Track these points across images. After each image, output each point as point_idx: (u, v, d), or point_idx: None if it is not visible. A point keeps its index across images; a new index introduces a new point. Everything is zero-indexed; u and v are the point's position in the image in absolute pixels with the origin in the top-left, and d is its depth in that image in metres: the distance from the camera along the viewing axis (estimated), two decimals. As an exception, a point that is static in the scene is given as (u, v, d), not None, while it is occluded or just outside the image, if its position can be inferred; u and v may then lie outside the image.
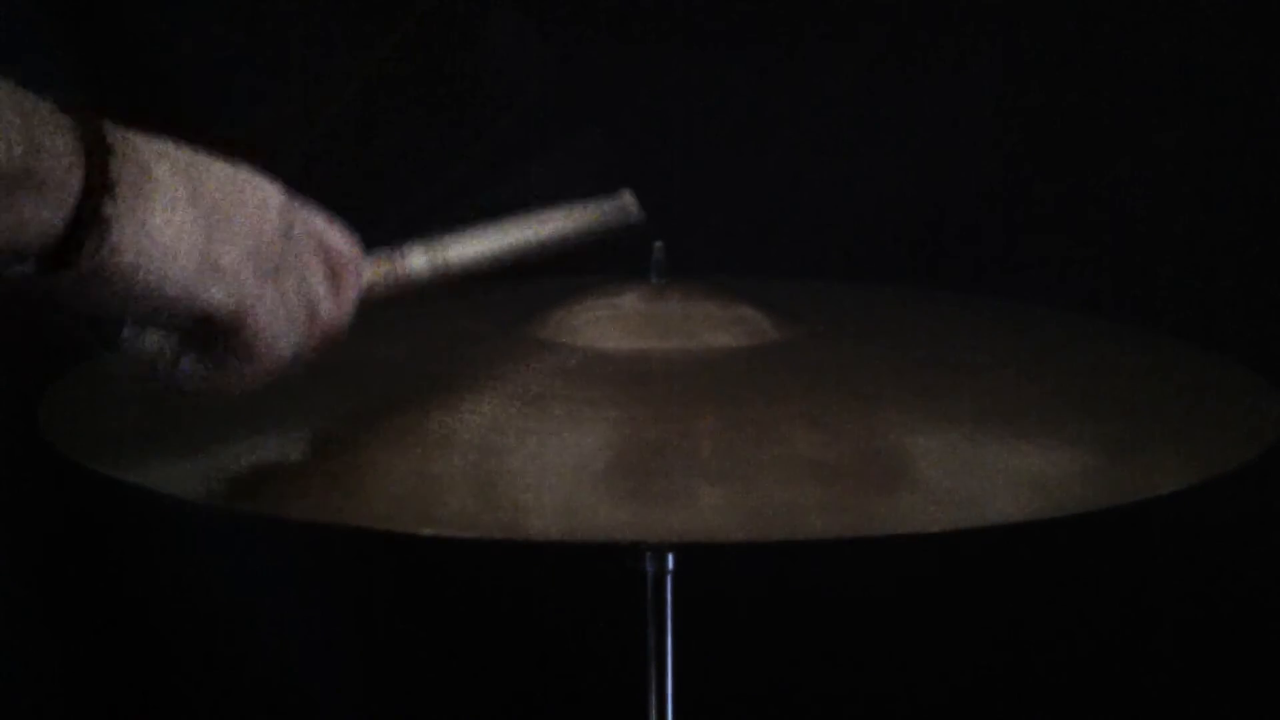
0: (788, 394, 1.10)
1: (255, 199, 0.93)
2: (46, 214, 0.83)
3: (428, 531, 0.94)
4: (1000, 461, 1.03)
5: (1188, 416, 1.14)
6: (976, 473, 1.01)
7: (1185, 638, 1.79)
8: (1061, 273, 1.72)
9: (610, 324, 1.18)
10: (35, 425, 1.14)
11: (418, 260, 1.08)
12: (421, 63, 1.73)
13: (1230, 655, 1.78)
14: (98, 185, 0.85)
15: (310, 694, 1.85)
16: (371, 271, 1.04)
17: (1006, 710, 1.83)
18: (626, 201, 1.20)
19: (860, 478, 0.99)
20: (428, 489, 0.99)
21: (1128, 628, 1.80)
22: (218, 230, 0.90)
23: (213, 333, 0.93)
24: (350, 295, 1.00)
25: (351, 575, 1.83)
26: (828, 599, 1.79)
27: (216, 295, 0.91)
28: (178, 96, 1.70)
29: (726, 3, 1.74)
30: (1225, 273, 1.71)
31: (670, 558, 1.27)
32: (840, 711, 1.85)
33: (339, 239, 0.99)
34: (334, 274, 0.99)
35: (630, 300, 1.20)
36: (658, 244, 1.22)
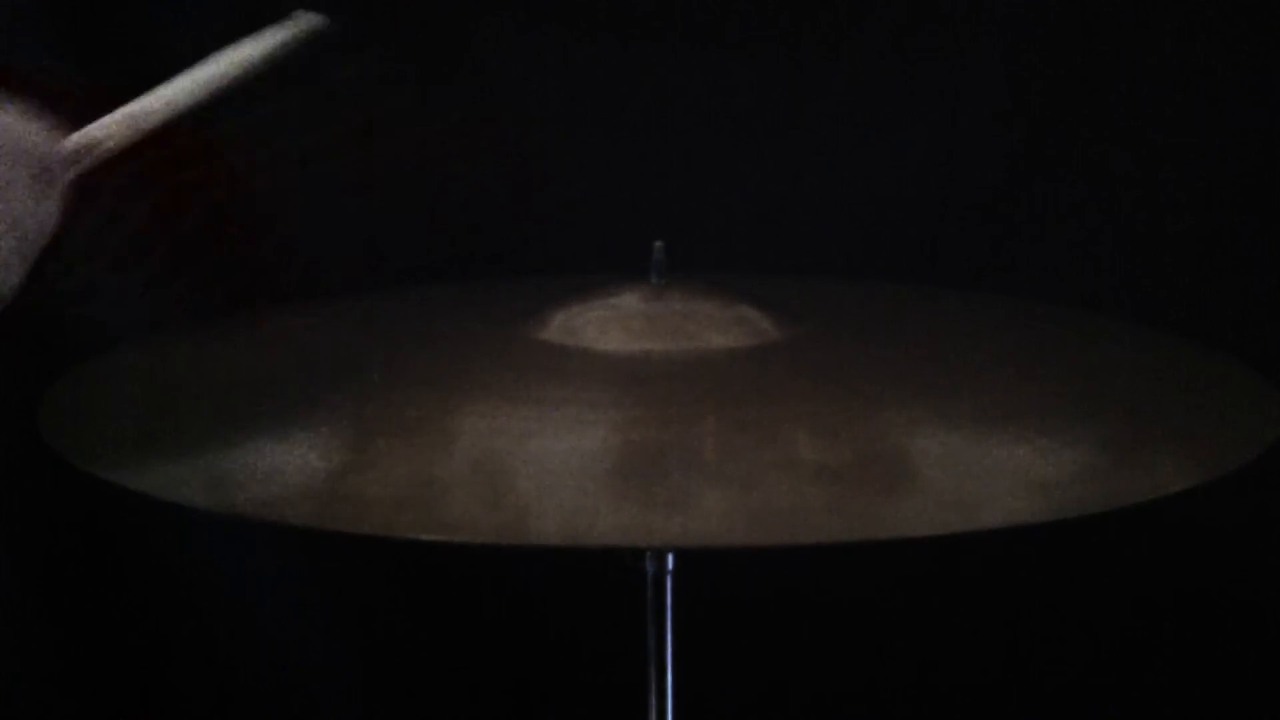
0: (788, 394, 1.10)
1: None
2: None
3: (429, 537, 0.94)
4: (1001, 463, 1.03)
5: (1188, 417, 1.14)
6: (977, 474, 1.02)
7: (1185, 638, 1.79)
8: (1061, 272, 1.72)
9: (610, 324, 1.18)
10: (35, 427, 1.14)
11: (104, 124, 1.06)
12: (421, 63, 1.73)
13: (1230, 655, 1.78)
14: None
15: (310, 694, 1.85)
16: (70, 152, 1.02)
17: (1007, 710, 1.83)
18: (300, 16, 1.18)
19: (861, 480, 1.00)
20: (428, 492, 0.99)
21: (1128, 628, 1.80)
22: None
23: None
24: (59, 187, 0.98)
25: (351, 575, 1.83)
26: (828, 599, 1.79)
27: None
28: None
29: (726, 3, 1.73)
30: (1225, 273, 1.71)
31: (670, 558, 1.27)
32: (840, 711, 1.85)
33: (40, 135, 0.98)
34: (39, 175, 0.96)
35: (630, 300, 1.20)
36: (658, 244, 1.22)
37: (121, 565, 1.79)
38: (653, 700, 1.31)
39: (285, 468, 1.04)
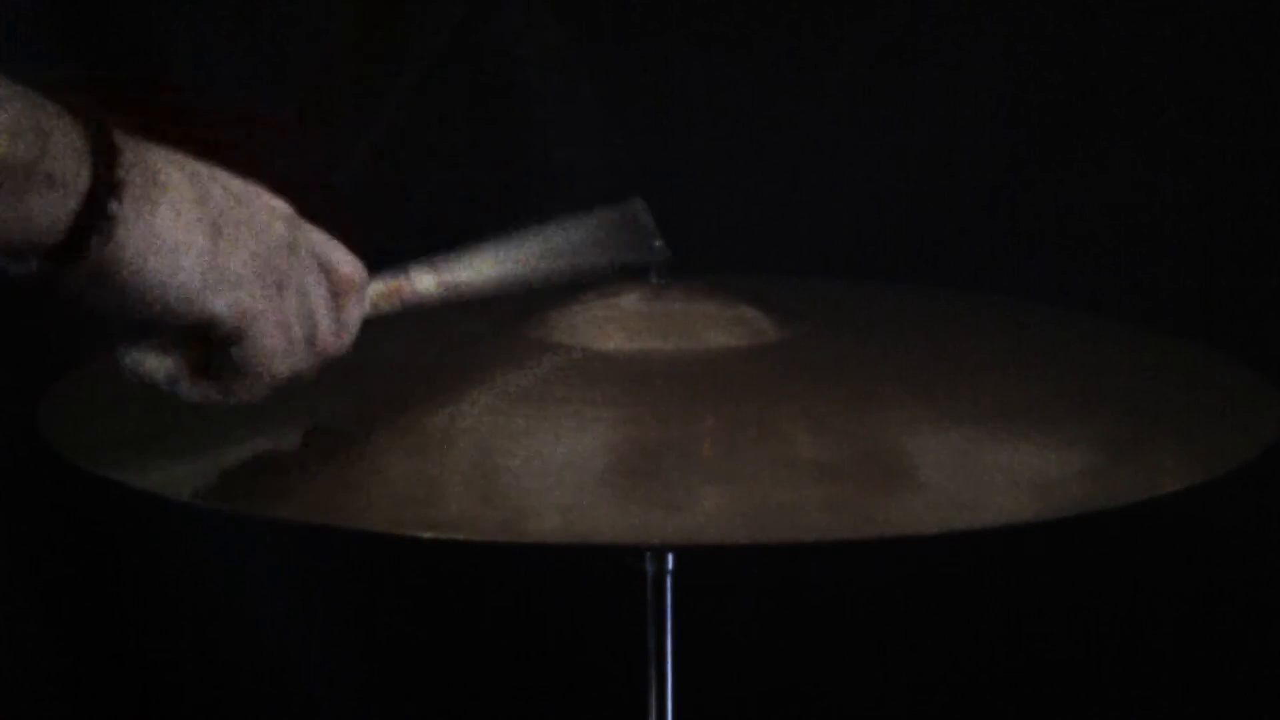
0: (788, 394, 1.10)
1: (263, 211, 0.94)
2: (54, 210, 0.85)
3: (428, 535, 0.94)
4: (1000, 462, 1.03)
5: (1187, 416, 1.14)
6: (976, 473, 1.01)
7: (1185, 637, 1.79)
8: (1061, 272, 1.72)
9: (610, 324, 1.18)
10: (34, 426, 1.14)
11: (424, 282, 1.08)
12: (437, 67, 1.73)
13: (1230, 655, 1.78)
14: (105, 183, 0.86)
15: (310, 694, 1.85)
16: (375, 294, 1.05)
17: (1006, 710, 1.83)
18: (638, 210, 1.20)
19: (861, 478, 1.00)
20: (428, 490, 0.99)
21: (1128, 627, 1.80)
22: (224, 238, 0.91)
23: (211, 345, 0.94)
24: (352, 318, 1.01)
25: (351, 575, 1.83)
26: (828, 599, 1.79)
27: (219, 303, 0.92)
28: (176, 95, 1.70)
29: (727, 3, 1.73)
30: (1225, 273, 1.71)
31: (670, 558, 1.27)
32: (840, 711, 1.85)
33: (344, 260, 1.00)
34: (337, 295, 0.99)
35: (630, 300, 1.20)
36: (658, 244, 1.22)
37: (121, 565, 1.79)
38: (653, 700, 1.31)
39: (285, 467, 1.04)
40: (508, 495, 0.98)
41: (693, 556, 1.27)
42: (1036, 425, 1.08)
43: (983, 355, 1.22)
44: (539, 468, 1.01)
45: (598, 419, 1.06)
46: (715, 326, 1.18)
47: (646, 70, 1.73)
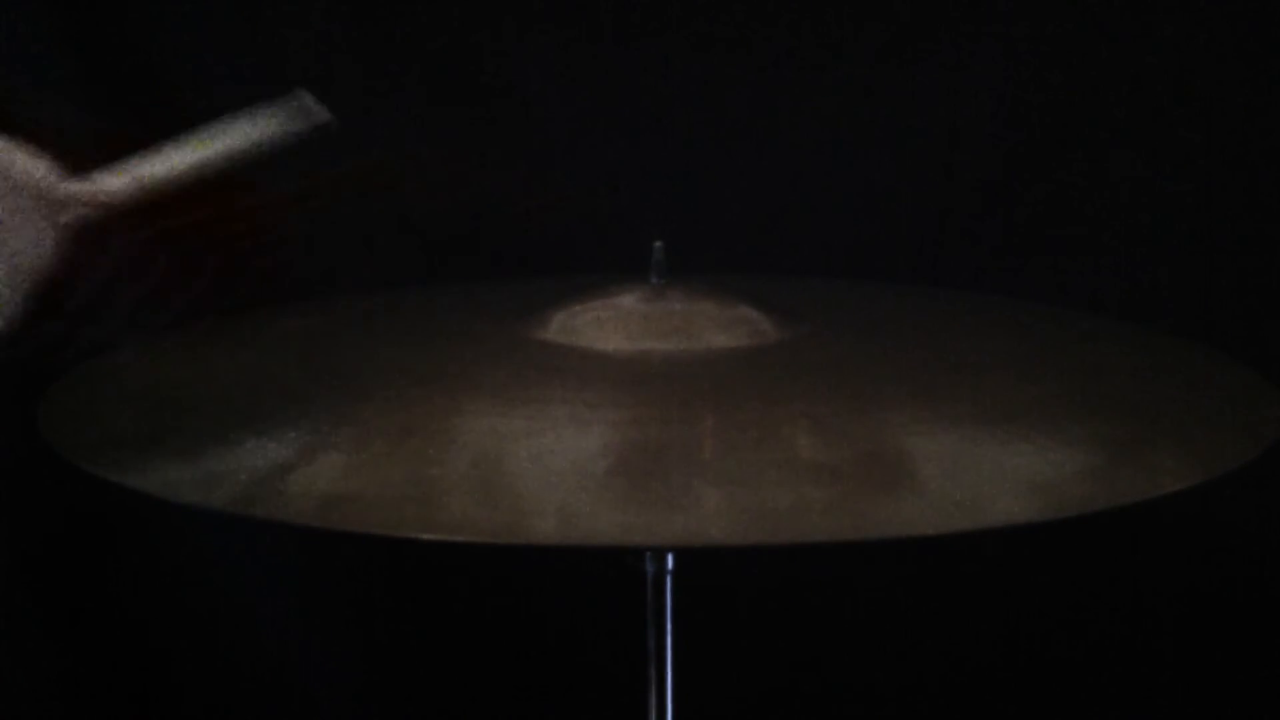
0: (788, 394, 1.10)
1: None
2: None
3: (429, 537, 0.94)
4: (1001, 462, 1.03)
5: (1188, 416, 1.14)
6: (977, 474, 1.01)
7: (1185, 637, 1.79)
8: (1061, 272, 1.72)
9: (610, 324, 1.18)
10: (35, 427, 1.14)
11: (110, 181, 1.05)
12: (423, 63, 1.73)
13: (1231, 655, 1.78)
14: None
15: (310, 694, 1.85)
16: (68, 196, 1.01)
17: (1006, 710, 1.83)
18: (306, 103, 1.17)
19: (861, 479, 1.00)
20: (428, 492, 0.99)
21: (1128, 628, 1.80)
22: None
23: None
24: (48, 223, 0.97)
25: (351, 575, 1.83)
26: (827, 599, 1.79)
27: None
28: (178, 96, 1.70)
29: (727, 3, 1.73)
30: (1225, 273, 1.71)
31: (670, 558, 1.27)
32: (840, 711, 1.85)
33: (30, 169, 0.97)
34: (29, 209, 0.96)
35: (630, 300, 1.20)
36: (658, 244, 1.22)
37: (121, 565, 1.79)
38: (653, 700, 1.31)
39: (285, 467, 1.04)
40: (508, 496, 0.98)
41: (693, 556, 1.27)
42: (1036, 425, 1.08)
43: (983, 355, 1.22)
44: (539, 468, 1.01)
45: (598, 420, 1.06)
46: (715, 326, 1.18)
47: (646, 70, 1.73)
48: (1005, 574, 1.77)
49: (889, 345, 1.23)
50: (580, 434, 1.04)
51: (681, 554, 1.26)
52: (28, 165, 0.96)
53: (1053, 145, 1.73)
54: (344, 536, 0.97)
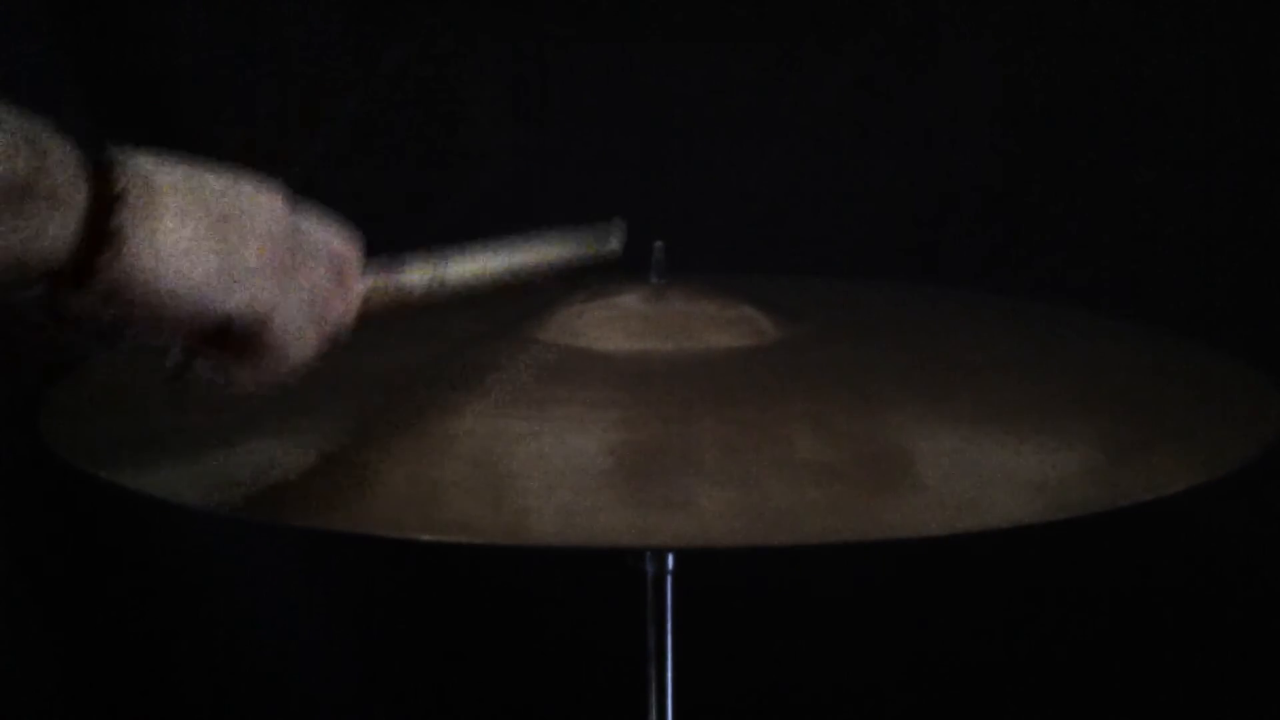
0: (788, 394, 1.10)
1: (263, 203, 0.93)
2: (57, 227, 0.83)
3: (428, 537, 0.94)
4: (1001, 462, 1.03)
5: (1189, 416, 1.14)
6: (977, 474, 1.01)
7: (1185, 638, 1.79)
8: (1061, 271, 1.72)
9: (610, 324, 1.18)
10: (36, 428, 1.14)
11: (415, 272, 1.07)
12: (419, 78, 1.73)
13: (1231, 654, 1.78)
14: (106, 195, 0.84)
15: (310, 694, 1.85)
16: (370, 277, 1.04)
17: (1006, 710, 1.83)
18: (615, 230, 1.21)
19: (861, 480, 0.99)
20: (429, 493, 0.99)
21: (1128, 627, 1.80)
22: (231, 235, 0.90)
23: (229, 339, 0.93)
24: (355, 293, 1.00)
25: (351, 575, 1.83)
26: (827, 599, 1.79)
27: (236, 301, 0.90)
28: (178, 96, 1.70)
29: (727, 2, 1.73)
30: (1225, 272, 1.71)
31: (670, 558, 1.27)
32: (840, 711, 1.85)
33: (341, 239, 0.99)
34: (339, 274, 0.98)
35: (630, 300, 1.20)
36: (658, 244, 1.22)
37: (122, 565, 1.79)
38: (653, 700, 1.31)
39: (285, 468, 1.04)
40: (508, 497, 0.98)
41: (693, 556, 1.27)
42: (1037, 426, 1.08)
43: (983, 355, 1.22)
44: (539, 469, 1.01)
45: (598, 420, 1.06)
46: (715, 326, 1.18)
47: (646, 70, 1.73)
48: (1006, 574, 1.77)
49: (889, 345, 1.22)
50: (580, 434, 1.04)
51: (681, 554, 1.26)
52: (345, 242, 0.99)
53: (1053, 145, 1.73)
54: (344, 536, 0.97)
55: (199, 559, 1.79)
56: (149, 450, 1.07)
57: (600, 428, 1.05)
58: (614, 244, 1.20)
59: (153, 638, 1.82)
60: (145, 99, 1.68)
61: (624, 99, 1.73)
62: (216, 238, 0.89)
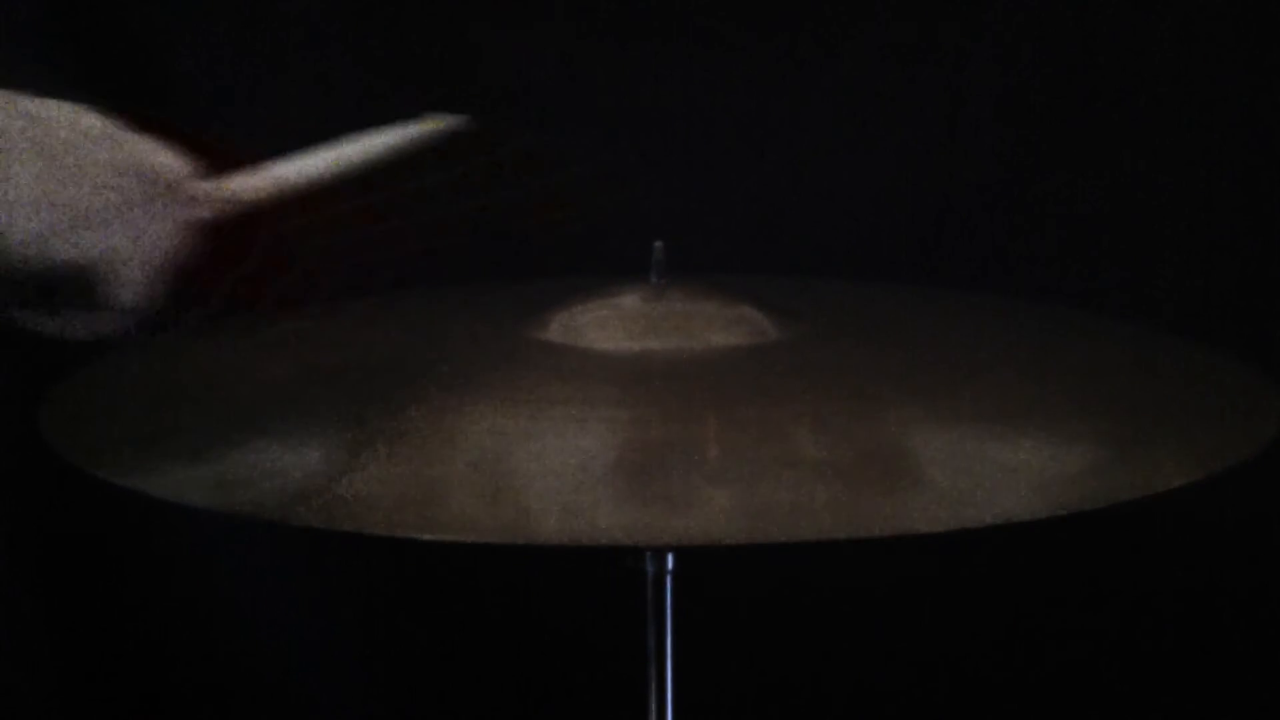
0: (789, 394, 1.10)
1: (81, 136, 0.89)
2: None
3: (429, 537, 0.94)
4: (1002, 460, 1.03)
5: (1188, 413, 1.14)
6: (978, 471, 1.01)
7: (1185, 636, 1.79)
8: (1061, 271, 1.72)
9: (610, 324, 1.18)
10: (37, 428, 1.14)
11: (249, 182, 1.05)
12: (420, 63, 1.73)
13: (1231, 654, 1.78)
14: None
15: (310, 694, 1.85)
16: (203, 193, 1.02)
17: (1006, 710, 1.83)
18: (437, 117, 1.17)
19: (862, 478, 0.99)
20: (429, 492, 0.99)
21: (1128, 625, 1.80)
22: (54, 179, 0.86)
23: (71, 281, 0.90)
24: (187, 219, 0.97)
25: (351, 575, 1.83)
26: (828, 598, 1.79)
27: (64, 247, 0.88)
28: (178, 96, 1.70)
29: (726, 3, 1.73)
30: (1225, 271, 1.71)
31: (670, 557, 1.27)
32: (840, 711, 1.85)
33: (168, 161, 0.96)
34: (171, 202, 0.96)
35: (630, 300, 1.20)
36: (658, 244, 1.22)
37: (122, 565, 1.79)
38: (653, 700, 1.31)
39: (285, 468, 1.04)
40: (508, 496, 0.98)
41: (693, 556, 1.27)
42: (1037, 423, 1.08)
43: (983, 355, 1.22)
44: (539, 468, 1.01)
45: (598, 419, 1.06)
46: (715, 326, 1.18)
47: (646, 70, 1.73)
48: (1006, 572, 1.77)
49: (890, 344, 1.23)
50: (581, 434, 1.04)
51: (682, 554, 1.26)
52: (167, 160, 0.95)
53: (1053, 145, 1.73)
54: (344, 536, 0.97)
55: (199, 559, 1.79)
56: (149, 450, 1.07)
57: (600, 427, 1.05)
58: (447, 120, 1.17)
59: (152, 637, 1.82)
60: (145, 99, 1.68)
61: (624, 99, 1.73)
62: (36, 184, 0.86)
